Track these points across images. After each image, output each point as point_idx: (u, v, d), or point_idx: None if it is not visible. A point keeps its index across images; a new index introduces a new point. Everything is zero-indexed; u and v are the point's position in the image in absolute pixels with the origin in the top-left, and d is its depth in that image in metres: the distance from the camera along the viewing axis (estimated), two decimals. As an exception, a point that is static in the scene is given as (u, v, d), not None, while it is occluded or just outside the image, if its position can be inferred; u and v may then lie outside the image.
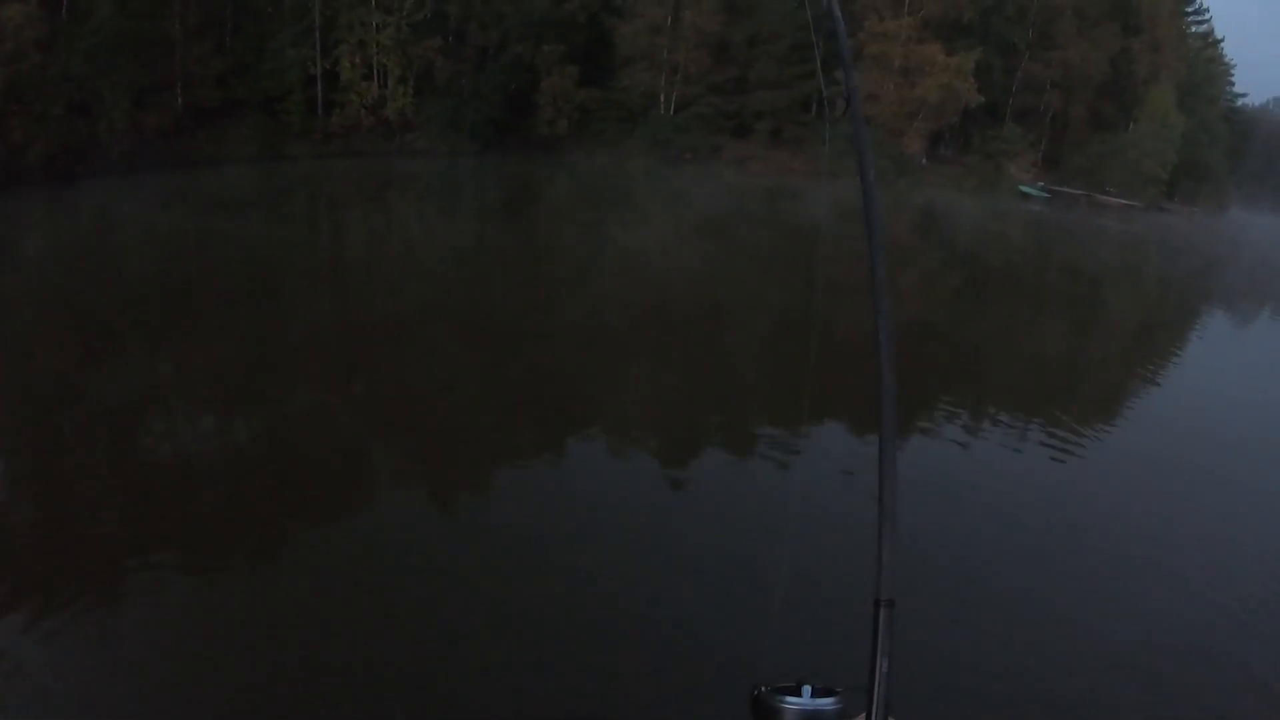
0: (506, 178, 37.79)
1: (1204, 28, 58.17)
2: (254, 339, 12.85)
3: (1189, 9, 55.51)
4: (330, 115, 37.08)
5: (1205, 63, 56.49)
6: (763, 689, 1.66)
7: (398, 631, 5.88)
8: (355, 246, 23.39)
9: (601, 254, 24.03)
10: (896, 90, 47.08)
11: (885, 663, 1.57)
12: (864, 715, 1.59)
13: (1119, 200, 51.56)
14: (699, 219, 31.55)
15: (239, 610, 6.00)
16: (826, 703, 1.63)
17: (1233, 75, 62.38)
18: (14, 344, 11.91)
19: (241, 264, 18.26)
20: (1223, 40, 60.28)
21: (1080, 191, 52.03)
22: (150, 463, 8.59)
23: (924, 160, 49.58)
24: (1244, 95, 68.76)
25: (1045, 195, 50.84)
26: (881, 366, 1.52)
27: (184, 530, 7.08)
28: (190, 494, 7.81)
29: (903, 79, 46.92)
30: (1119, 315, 24.20)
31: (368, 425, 9.91)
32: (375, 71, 38.09)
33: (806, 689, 1.64)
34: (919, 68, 46.23)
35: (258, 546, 7.06)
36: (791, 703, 1.64)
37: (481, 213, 29.17)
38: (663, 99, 47.06)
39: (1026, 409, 12.72)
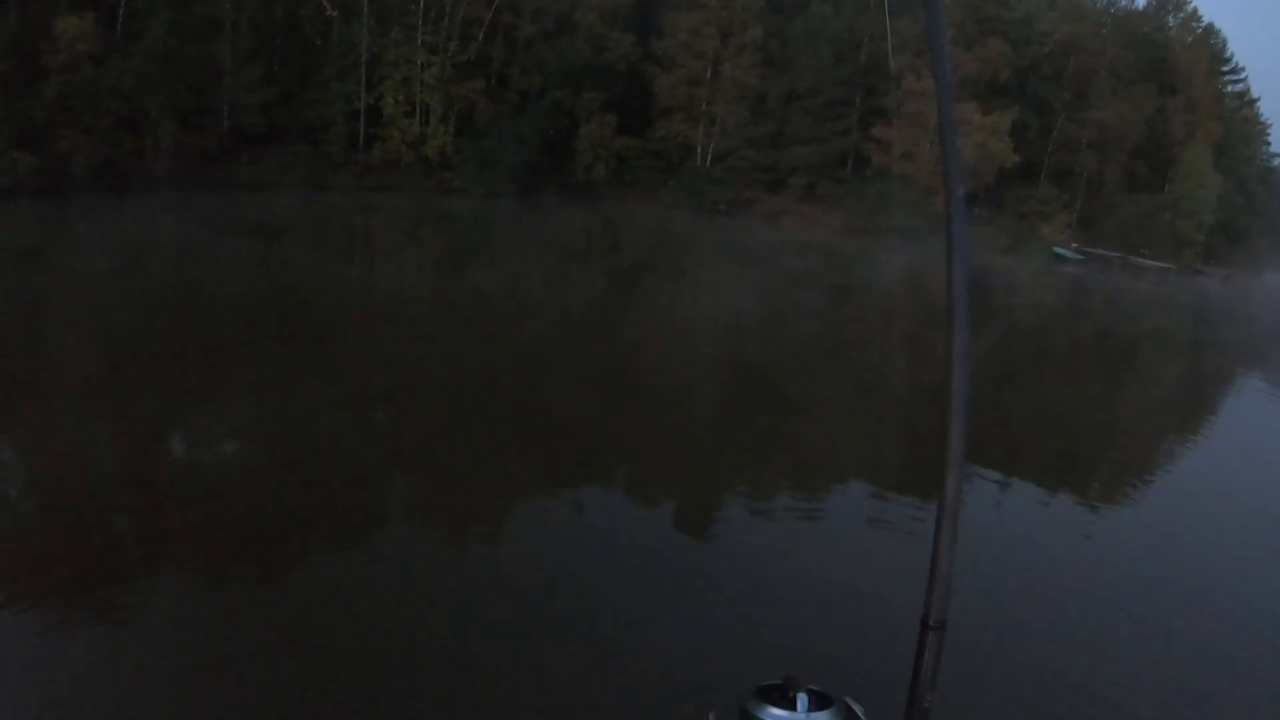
0: (546, 221, 37.42)
1: (1239, 86, 57.28)
2: (288, 364, 12.54)
3: (1224, 68, 55.31)
4: (371, 149, 37.13)
5: (1241, 122, 56.05)
6: (750, 702, 1.37)
7: (410, 654, 5.64)
8: (394, 281, 22.73)
9: (649, 303, 23.19)
10: (932, 149, 46.93)
11: (929, 698, 1.29)
12: None
13: (1154, 263, 50.85)
14: (751, 273, 30.73)
15: (249, 625, 5.82)
16: (820, 718, 1.34)
17: (1269, 135, 61.36)
18: (34, 350, 11.75)
19: (279, 290, 17.83)
20: (1259, 99, 59.28)
21: (1115, 254, 51.30)
22: (166, 471, 8.39)
23: (958, 219, 49.14)
24: (1280, 155, 68.01)
25: (1080, 257, 50.11)
26: (953, 366, 1.36)
27: (198, 542, 6.85)
28: (208, 506, 7.52)
29: (939, 137, 46.69)
30: (1166, 385, 22.39)
31: (397, 455, 9.65)
32: (418, 109, 38.19)
33: (802, 697, 1.35)
34: (955, 126, 46.05)
35: (275, 563, 6.85)
36: (776, 716, 1.35)
37: (526, 255, 28.51)
38: (699, 150, 46.98)
39: (1060, 477, 11.63)
